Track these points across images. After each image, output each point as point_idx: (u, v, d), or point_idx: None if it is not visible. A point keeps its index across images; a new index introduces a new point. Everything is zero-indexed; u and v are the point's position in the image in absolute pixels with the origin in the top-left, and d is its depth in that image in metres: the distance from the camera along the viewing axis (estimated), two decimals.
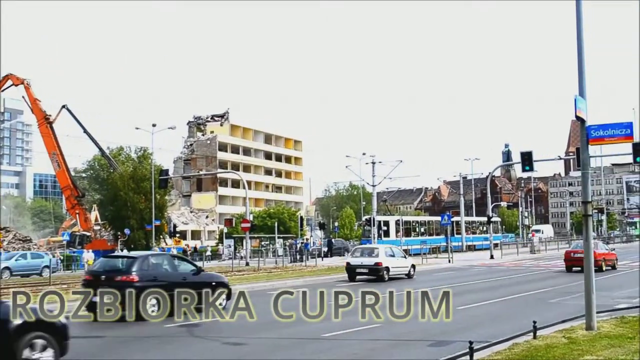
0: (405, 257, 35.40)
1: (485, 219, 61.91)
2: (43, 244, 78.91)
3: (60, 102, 78.04)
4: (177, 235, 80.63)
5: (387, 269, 32.24)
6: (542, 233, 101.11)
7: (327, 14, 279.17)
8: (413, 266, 34.89)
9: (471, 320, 17.19)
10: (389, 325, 16.27)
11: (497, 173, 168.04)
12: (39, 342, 9.71)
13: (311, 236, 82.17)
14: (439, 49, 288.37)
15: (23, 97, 73.75)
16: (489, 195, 58.98)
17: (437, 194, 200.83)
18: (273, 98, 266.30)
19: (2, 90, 75.56)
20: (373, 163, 57.18)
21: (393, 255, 33.80)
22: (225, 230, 76.08)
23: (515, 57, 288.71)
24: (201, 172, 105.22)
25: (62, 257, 61.49)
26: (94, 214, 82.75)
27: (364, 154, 64.07)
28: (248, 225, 51.22)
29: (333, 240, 72.04)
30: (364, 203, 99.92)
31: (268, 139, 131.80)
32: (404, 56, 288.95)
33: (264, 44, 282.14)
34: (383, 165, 60.13)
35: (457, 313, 18.85)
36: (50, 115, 72.47)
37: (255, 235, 71.70)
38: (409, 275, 33.86)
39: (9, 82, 72.81)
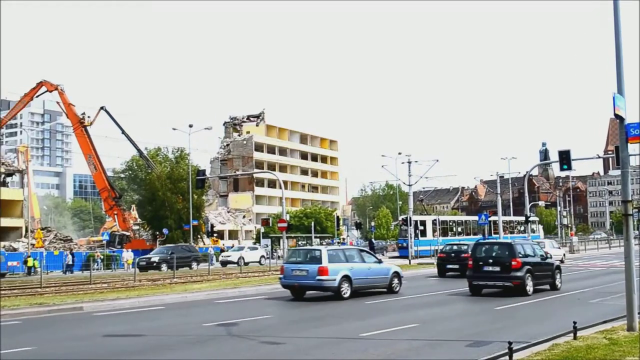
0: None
1: (523, 218, 61.35)
2: (83, 243, 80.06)
3: (99, 104, 79.12)
4: (215, 235, 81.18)
5: None
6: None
7: (363, 12, 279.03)
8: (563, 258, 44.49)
9: (509, 320, 17.11)
10: (426, 325, 16.26)
11: (535, 172, 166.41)
12: None
13: (348, 236, 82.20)
14: (476, 47, 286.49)
15: (58, 102, 75.20)
16: (526, 194, 58.38)
17: (473, 193, 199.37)
18: (308, 98, 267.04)
19: (37, 96, 77.49)
20: (409, 162, 56.89)
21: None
22: (262, 230, 76.42)
23: (553, 55, 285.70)
24: (237, 173, 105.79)
25: (102, 257, 62.41)
26: (133, 214, 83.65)
27: (399, 153, 63.91)
28: (285, 225, 51.24)
29: (374, 240, 72.82)
30: (400, 203, 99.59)
31: (303, 139, 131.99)
32: (441, 54, 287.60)
33: (300, 43, 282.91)
34: (419, 164, 59.84)
35: (495, 313, 18.80)
36: (88, 117, 73.59)
37: (292, 235, 71.89)
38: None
39: (43, 89, 74.50)
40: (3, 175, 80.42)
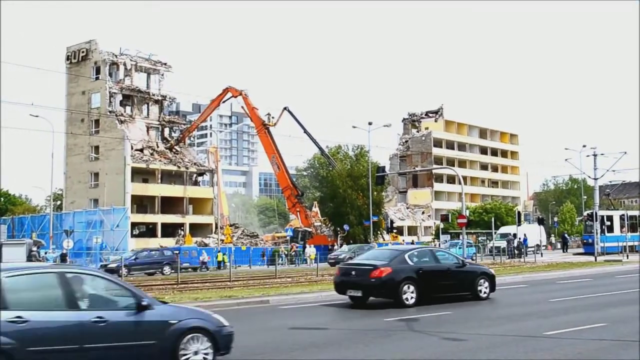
0: None
1: None
2: (269, 239, 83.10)
3: (282, 104, 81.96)
4: (394, 231, 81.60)
5: None
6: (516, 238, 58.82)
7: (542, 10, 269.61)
8: None
9: None
10: (616, 324, 15.64)
11: None
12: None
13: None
14: None
15: (242, 107, 78.91)
16: None
17: None
18: (488, 92, 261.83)
19: (223, 102, 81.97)
20: (594, 155, 54.45)
21: None
22: (442, 225, 75.97)
23: None
24: (416, 169, 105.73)
25: (286, 252, 64.63)
26: (315, 210, 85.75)
27: (584, 146, 61.48)
28: (464, 220, 50.55)
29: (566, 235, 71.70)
30: (585, 197, 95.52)
31: (483, 133, 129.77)
32: (622, 44, 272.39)
33: (477, 37, 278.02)
34: (605, 157, 57.11)
35: None
36: (272, 117, 76.41)
37: (472, 231, 70.93)
38: None
39: (229, 94, 78.64)
40: (195, 175, 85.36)
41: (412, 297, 19.61)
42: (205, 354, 10.29)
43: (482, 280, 21.58)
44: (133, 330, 9.73)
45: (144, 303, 9.93)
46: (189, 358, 10.10)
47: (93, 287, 10.09)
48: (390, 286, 19.47)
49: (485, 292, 21.52)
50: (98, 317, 9.40)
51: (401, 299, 19.42)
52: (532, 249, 60.04)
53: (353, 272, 20.48)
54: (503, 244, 57.96)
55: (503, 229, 66.00)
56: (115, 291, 10.16)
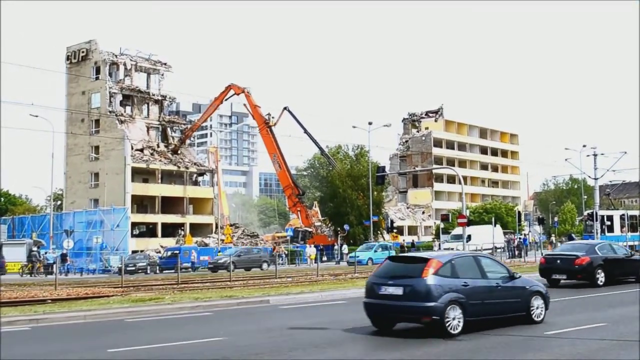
0: None
1: None
2: (269, 239, 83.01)
3: (282, 104, 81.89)
4: (395, 230, 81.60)
5: None
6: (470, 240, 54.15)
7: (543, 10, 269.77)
8: None
9: None
10: (615, 325, 15.62)
11: None
12: None
13: (530, 232, 79.88)
14: None
15: (245, 104, 78.82)
16: None
17: None
18: (488, 92, 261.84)
19: (226, 99, 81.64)
20: (594, 155, 54.56)
21: None
22: (442, 225, 75.96)
23: None
24: (417, 169, 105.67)
25: (286, 252, 64.68)
26: (315, 210, 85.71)
27: (584, 145, 61.56)
28: (464, 220, 50.41)
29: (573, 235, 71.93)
30: (586, 197, 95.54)
31: (483, 133, 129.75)
32: (622, 44, 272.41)
33: (478, 38, 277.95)
34: (605, 157, 57.22)
35: None
36: (272, 117, 76.30)
37: None
38: None
39: (231, 92, 78.47)
40: (195, 175, 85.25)
41: (602, 280, 25.39)
42: (542, 308, 15.76)
43: None
44: (511, 292, 15.31)
45: (516, 275, 15.68)
46: (533, 311, 15.57)
47: (487, 264, 15.45)
48: (589, 271, 25.31)
49: None
50: (496, 283, 15.00)
51: (596, 281, 25.19)
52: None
53: (558, 261, 26.22)
54: (455, 245, 57.38)
55: (457, 230, 63.57)
56: (497, 266, 15.97)
